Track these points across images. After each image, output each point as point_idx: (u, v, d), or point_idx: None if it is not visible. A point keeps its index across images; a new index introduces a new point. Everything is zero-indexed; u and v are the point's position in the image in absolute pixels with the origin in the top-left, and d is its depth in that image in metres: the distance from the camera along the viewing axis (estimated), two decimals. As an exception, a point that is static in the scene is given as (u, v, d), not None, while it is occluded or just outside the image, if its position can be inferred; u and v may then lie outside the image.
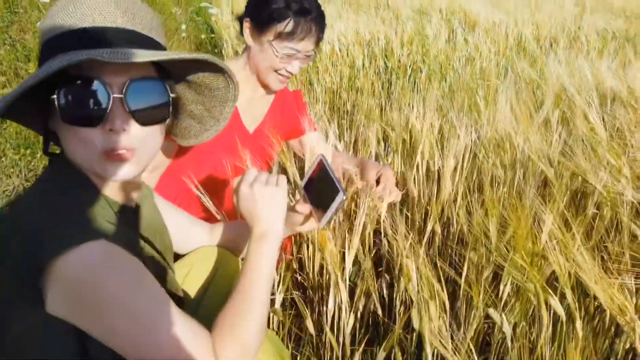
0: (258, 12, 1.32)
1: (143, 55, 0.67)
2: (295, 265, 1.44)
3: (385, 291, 1.31)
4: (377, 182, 1.28)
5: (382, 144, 2.02)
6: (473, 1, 4.83)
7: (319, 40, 1.34)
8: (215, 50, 3.86)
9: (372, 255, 1.34)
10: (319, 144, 1.51)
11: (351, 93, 3.26)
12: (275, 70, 1.35)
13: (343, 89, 3.33)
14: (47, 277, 0.64)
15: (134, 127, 0.72)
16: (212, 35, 3.95)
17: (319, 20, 1.32)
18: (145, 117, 0.73)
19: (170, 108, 0.77)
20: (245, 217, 0.90)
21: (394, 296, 1.20)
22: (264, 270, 0.84)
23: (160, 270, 0.85)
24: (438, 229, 1.35)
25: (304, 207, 1.01)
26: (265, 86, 1.42)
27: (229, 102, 0.88)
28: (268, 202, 0.88)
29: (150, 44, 0.75)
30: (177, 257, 1.13)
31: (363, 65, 3.43)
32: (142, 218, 0.88)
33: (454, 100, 2.26)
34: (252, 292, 0.82)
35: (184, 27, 3.92)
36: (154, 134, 0.76)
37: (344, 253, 1.09)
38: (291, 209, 1.05)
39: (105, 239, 0.68)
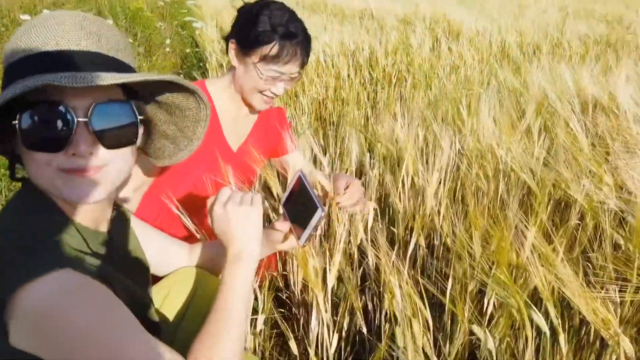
0: (244, 34, 1.32)
1: (105, 78, 0.65)
2: (280, 283, 1.42)
3: (370, 307, 1.29)
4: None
5: (368, 155, 2.01)
6: (456, 10, 4.87)
7: (304, 62, 1.35)
8: (201, 64, 3.85)
9: (359, 270, 1.33)
10: (300, 164, 1.51)
11: (337, 104, 3.26)
12: (260, 92, 1.35)
13: (329, 99, 3.33)
14: (9, 310, 0.62)
15: (101, 151, 0.70)
16: (197, 49, 3.95)
17: (304, 44, 1.32)
18: (112, 140, 0.71)
19: (139, 130, 0.75)
20: (220, 237, 0.89)
21: (379, 313, 1.18)
22: (239, 291, 0.83)
23: (134, 297, 0.83)
24: (422, 243, 1.34)
25: (284, 225, 1.00)
26: (249, 105, 1.43)
27: (201, 122, 0.86)
28: (242, 222, 0.87)
29: (116, 65, 0.73)
30: (157, 279, 1.11)
31: (348, 75, 3.44)
32: (115, 243, 0.86)
33: (438, 109, 2.25)
34: (228, 313, 0.81)
35: (168, 41, 3.91)
36: (123, 156, 0.74)
37: (326, 270, 1.08)
38: (271, 226, 1.04)
39: (71, 267, 0.66)
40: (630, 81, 2.15)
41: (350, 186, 1.20)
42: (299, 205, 0.99)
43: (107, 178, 0.73)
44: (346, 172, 1.54)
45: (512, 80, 2.34)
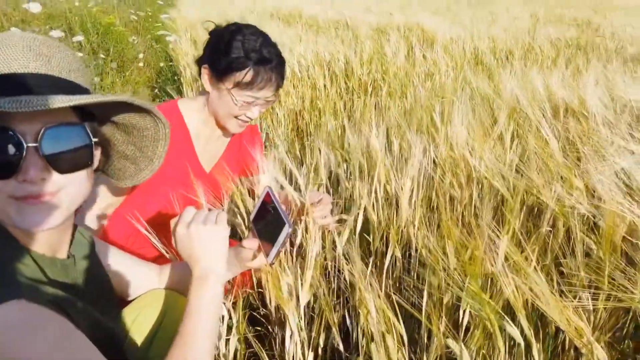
0: (217, 60, 1.29)
1: (52, 102, 0.63)
2: (256, 300, 1.39)
3: (349, 322, 1.27)
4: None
5: (344, 166, 2.00)
6: (430, 18, 4.93)
7: (279, 86, 1.33)
8: (175, 78, 3.81)
9: (335, 284, 1.31)
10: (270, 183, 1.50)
11: (314, 114, 3.26)
12: (235, 116, 1.33)
13: (305, 110, 3.33)
14: None
15: (54, 176, 0.68)
16: (171, 63, 3.91)
17: (279, 68, 1.31)
18: (65, 164, 0.69)
19: (93, 152, 0.73)
20: (185, 258, 0.87)
21: (356, 328, 1.16)
22: (206, 313, 0.81)
23: (96, 325, 0.80)
24: (398, 254, 1.32)
25: (252, 242, 0.98)
26: (223, 129, 1.41)
27: (160, 141, 0.84)
28: (207, 242, 0.85)
29: (67, 87, 0.71)
30: (126, 302, 1.07)
31: (325, 86, 3.44)
32: (76, 269, 0.83)
33: (412, 117, 2.26)
34: (194, 338, 0.79)
35: (141, 55, 3.87)
36: (78, 180, 0.72)
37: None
38: (240, 244, 1.01)
39: (25, 299, 0.63)
40: (599, 84, 2.19)
41: (321, 200, 1.18)
42: (267, 222, 0.97)
43: (62, 203, 0.70)
44: (318, 187, 1.52)
45: (485, 87, 2.36)
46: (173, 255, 1.23)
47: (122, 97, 0.73)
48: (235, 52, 1.25)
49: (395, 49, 3.92)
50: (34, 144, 0.65)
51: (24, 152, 0.64)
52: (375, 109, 3.29)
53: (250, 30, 1.29)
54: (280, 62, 1.31)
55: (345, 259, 1.01)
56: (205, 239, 0.85)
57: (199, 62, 1.35)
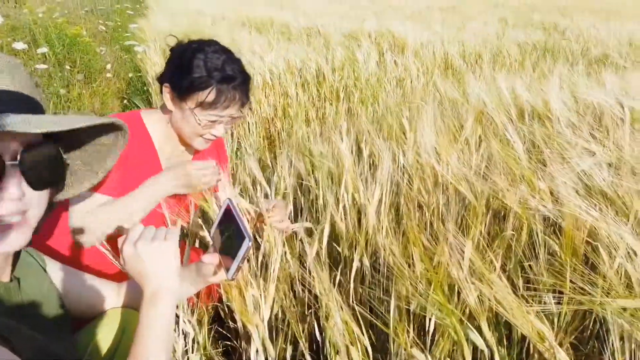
0: (178, 79, 1.26)
1: (37, 125, 0.61)
2: (225, 314, 1.36)
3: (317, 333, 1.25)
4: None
5: (312, 174, 1.98)
6: (401, 25, 4.97)
7: (244, 103, 1.30)
8: (145, 88, 3.76)
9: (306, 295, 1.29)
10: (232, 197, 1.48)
11: (285, 122, 3.24)
12: (200, 135, 1.30)
13: (277, 118, 3.31)
14: None
15: (27, 195, 0.67)
16: (140, 74, 3.85)
17: (243, 86, 1.27)
18: (40, 184, 0.68)
19: (65, 172, 0.72)
20: (134, 278, 0.83)
21: (324, 340, 1.14)
22: (159, 333, 0.78)
23: (42, 350, 0.76)
24: (367, 262, 1.31)
25: (212, 257, 0.96)
26: (188, 145, 1.38)
27: (111, 156, 0.82)
28: (156, 259, 0.82)
29: (33, 105, 0.69)
30: (84, 322, 1.04)
31: (297, 93, 3.43)
32: (22, 292, 0.79)
33: (383, 124, 2.26)
34: (148, 357, 0.76)
35: (109, 66, 3.80)
36: (44, 199, 0.72)
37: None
38: (200, 260, 0.99)
39: None
40: (564, 87, 2.23)
41: (275, 205, 1.17)
42: (228, 236, 0.95)
43: (32, 223, 0.69)
44: (283, 196, 1.51)
45: (453, 92, 2.38)
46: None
47: (106, 119, 0.72)
48: (197, 71, 1.21)
49: (367, 55, 3.94)
50: (13, 162, 0.64)
51: (4, 171, 0.63)
52: (348, 115, 3.30)
53: (213, 47, 1.26)
54: (245, 80, 1.27)
55: (310, 272, 1.00)
56: (154, 256, 0.82)
57: (160, 79, 1.31)
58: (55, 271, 0.94)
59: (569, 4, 11.24)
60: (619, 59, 4.72)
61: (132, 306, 1.06)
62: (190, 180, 1.26)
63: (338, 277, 1.34)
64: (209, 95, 1.21)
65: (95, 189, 1.26)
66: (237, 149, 3.00)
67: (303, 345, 1.09)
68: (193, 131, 1.28)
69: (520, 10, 9.05)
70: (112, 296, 1.06)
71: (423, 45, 4.47)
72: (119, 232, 1.22)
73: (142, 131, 1.36)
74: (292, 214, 1.60)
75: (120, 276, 1.17)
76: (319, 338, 1.25)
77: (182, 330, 1.13)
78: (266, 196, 1.65)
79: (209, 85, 1.21)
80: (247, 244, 0.88)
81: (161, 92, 1.33)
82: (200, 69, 1.21)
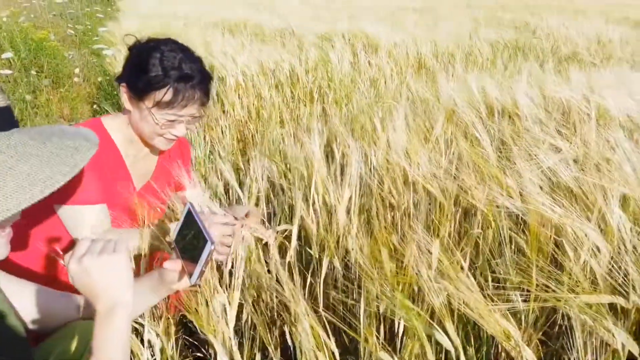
0: (135, 78, 1.23)
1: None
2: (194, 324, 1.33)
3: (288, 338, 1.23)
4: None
5: (290, 176, 1.96)
6: (374, 25, 4.99)
7: (204, 103, 1.28)
8: (115, 92, 3.68)
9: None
10: (197, 199, 1.46)
11: (259, 124, 3.21)
12: (160, 135, 1.27)
13: (251, 120, 3.28)
14: None
15: None
16: (109, 77, 3.78)
17: (202, 85, 1.25)
18: None
19: None
20: (85, 295, 0.80)
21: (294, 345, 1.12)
22: (115, 348, 0.75)
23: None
24: (337, 264, 1.30)
25: (174, 264, 0.93)
26: (150, 146, 1.35)
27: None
28: (107, 273, 0.78)
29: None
30: (45, 336, 1.00)
31: (270, 95, 3.40)
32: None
33: (356, 125, 2.25)
34: None
35: (77, 70, 3.71)
36: None
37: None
38: (163, 266, 0.96)
39: None
40: (533, 85, 2.26)
41: (249, 213, 1.15)
42: (189, 241, 0.93)
43: None
44: (257, 200, 1.48)
45: (425, 92, 2.39)
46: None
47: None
48: (153, 70, 1.19)
49: (340, 55, 3.93)
50: None
51: None
52: (322, 116, 3.28)
53: (170, 46, 1.23)
54: (204, 79, 1.25)
55: (277, 279, 0.98)
56: (104, 270, 0.78)
57: (119, 80, 1.29)
58: (7, 285, 0.90)
59: (538, 3, 11.46)
60: (588, 57, 4.83)
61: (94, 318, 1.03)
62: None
63: (309, 280, 1.32)
64: (165, 94, 1.19)
65: (75, 202, 1.23)
66: (210, 152, 2.96)
67: (272, 352, 1.06)
68: (152, 131, 1.25)
69: (492, 10, 9.19)
70: (73, 308, 1.02)
71: (396, 45, 4.49)
72: None
73: (107, 140, 1.33)
74: (266, 217, 1.58)
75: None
76: (290, 343, 1.24)
77: (148, 340, 1.10)
78: (239, 200, 1.63)
79: (166, 84, 1.19)
80: (209, 247, 0.86)
81: (119, 92, 1.30)
82: (157, 68, 1.19)
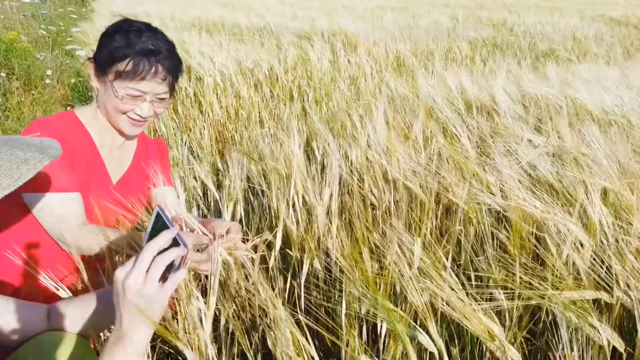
0: (100, 51, 1.23)
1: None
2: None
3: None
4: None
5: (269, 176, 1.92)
6: (352, 23, 4.98)
7: (170, 82, 1.25)
8: (89, 94, 3.60)
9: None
10: (168, 198, 1.42)
11: (238, 124, 3.16)
12: (124, 112, 1.24)
13: (230, 120, 3.23)
14: None
15: None
16: (80, 79, 3.69)
17: (167, 62, 1.23)
18: None
19: None
20: (115, 305, 0.77)
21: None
22: None
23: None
24: (318, 266, 1.27)
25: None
26: (119, 131, 1.31)
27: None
28: (152, 307, 0.75)
29: None
30: (11, 350, 0.95)
31: (249, 95, 3.36)
32: None
33: (334, 123, 2.23)
34: None
35: (49, 72, 3.62)
36: None
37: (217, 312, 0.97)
38: None
39: None
40: (511, 81, 2.26)
41: (229, 230, 1.11)
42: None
43: None
44: (234, 203, 1.45)
45: (404, 89, 2.37)
46: (66, 291, 1.10)
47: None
48: (117, 42, 1.20)
49: (320, 54, 3.91)
50: None
51: None
52: (303, 115, 3.25)
53: (138, 24, 1.24)
54: (169, 55, 1.24)
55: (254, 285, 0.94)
56: (149, 305, 0.74)
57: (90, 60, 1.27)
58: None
59: (516, 2, 11.61)
60: (564, 53, 4.89)
61: (64, 329, 0.98)
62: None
63: (289, 282, 1.29)
64: (127, 65, 1.17)
65: (47, 190, 1.18)
66: (190, 152, 2.90)
67: (251, 358, 1.03)
68: (114, 107, 1.23)
69: (471, 8, 9.27)
70: (40, 320, 0.97)
71: (375, 44, 4.49)
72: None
73: (81, 130, 1.30)
74: (244, 219, 1.55)
75: (50, 298, 1.09)
76: (270, 348, 1.20)
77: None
78: (216, 203, 1.58)
79: (127, 55, 1.18)
80: (180, 251, 0.82)
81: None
82: (120, 40, 1.19)
